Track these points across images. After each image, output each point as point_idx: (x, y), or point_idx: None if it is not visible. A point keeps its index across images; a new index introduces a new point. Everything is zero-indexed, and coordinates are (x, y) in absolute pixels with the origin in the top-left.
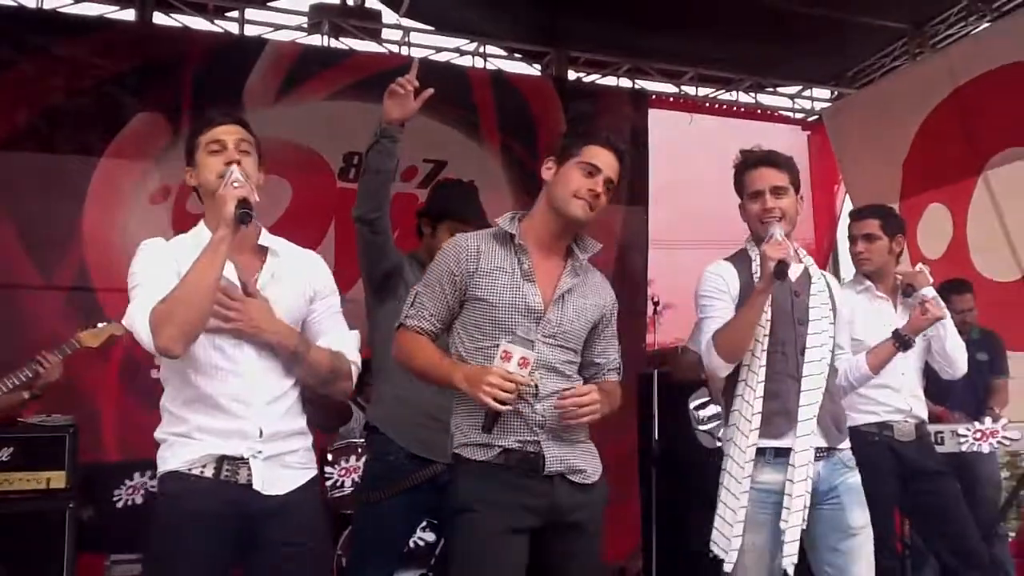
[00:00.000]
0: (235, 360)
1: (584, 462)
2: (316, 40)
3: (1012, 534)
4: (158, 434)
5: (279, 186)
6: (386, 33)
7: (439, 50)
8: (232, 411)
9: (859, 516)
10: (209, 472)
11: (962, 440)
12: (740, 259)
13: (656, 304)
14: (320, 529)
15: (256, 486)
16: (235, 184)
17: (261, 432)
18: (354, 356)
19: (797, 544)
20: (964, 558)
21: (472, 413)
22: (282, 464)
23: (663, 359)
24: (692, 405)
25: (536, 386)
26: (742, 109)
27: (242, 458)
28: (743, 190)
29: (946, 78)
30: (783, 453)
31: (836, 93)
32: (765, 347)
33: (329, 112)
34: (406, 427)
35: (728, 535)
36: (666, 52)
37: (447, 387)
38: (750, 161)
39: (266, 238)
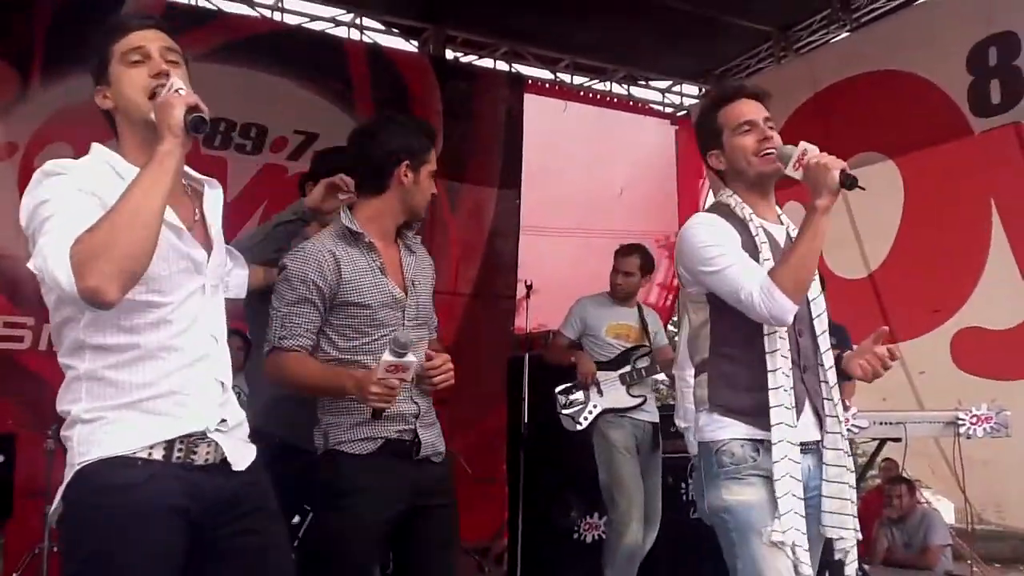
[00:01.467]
0: (199, 306)
1: (441, 442)
2: None
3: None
4: (81, 412)
5: None
6: None
7: (314, 19)
8: (187, 373)
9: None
10: (158, 455)
11: None
12: (726, 215)
13: (529, 287)
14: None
15: (230, 458)
16: (179, 91)
17: (223, 386)
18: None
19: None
20: None
21: (349, 411)
22: (238, 437)
23: (532, 343)
24: (557, 390)
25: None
26: (615, 100)
27: (199, 433)
28: (722, 126)
29: (807, 82)
30: (808, 449)
31: (704, 90)
32: (788, 333)
33: (195, 74)
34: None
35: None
36: (543, 38)
37: (339, 396)
38: (729, 93)
39: (195, 176)
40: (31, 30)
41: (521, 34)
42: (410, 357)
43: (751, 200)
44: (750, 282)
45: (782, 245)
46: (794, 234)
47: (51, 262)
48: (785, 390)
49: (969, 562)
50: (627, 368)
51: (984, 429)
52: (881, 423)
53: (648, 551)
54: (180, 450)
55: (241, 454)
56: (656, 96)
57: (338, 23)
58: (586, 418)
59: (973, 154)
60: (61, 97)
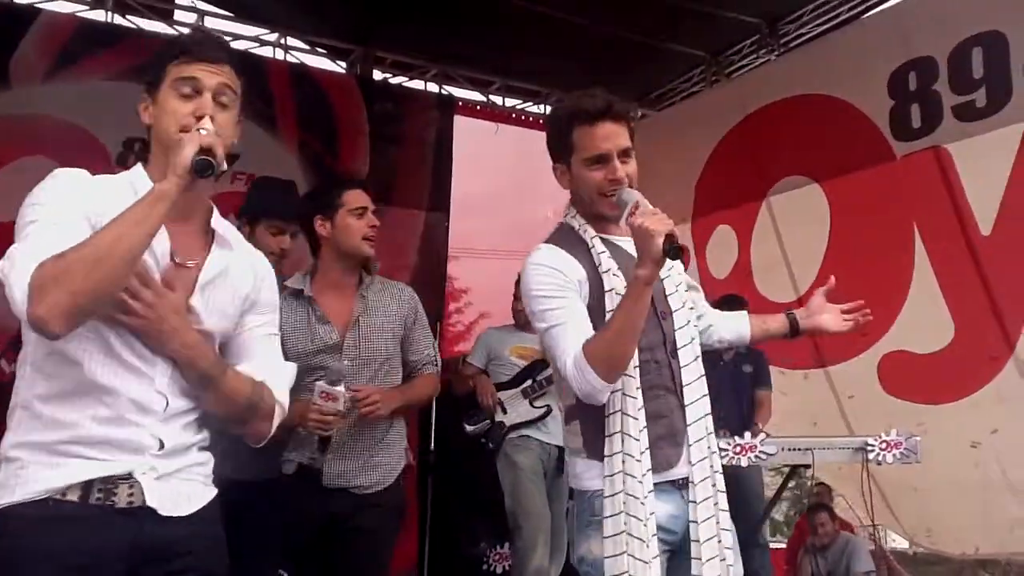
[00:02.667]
0: (145, 356)
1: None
2: (100, 15)
3: (781, 544)
4: (6, 449)
5: (46, 168)
6: (179, 15)
7: (236, 38)
8: (126, 416)
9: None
10: (73, 496)
11: (722, 454)
12: (569, 242)
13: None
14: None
15: (152, 503)
16: (202, 131)
17: (161, 444)
18: (283, 395)
19: None
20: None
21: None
22: (181, 479)
23: (444, 368)
24: (464, 419)
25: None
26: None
27: (124, 476)
28: (570, 150)
29: (737, 106)
30: (673, 484)
31: (639, 114)
32: (636, 359)
33: (110, 94)
34: None
35: None
36: (475, 60)
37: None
38: (587, 113)
39: (220, 220)
40: None
41: (452, 56)
42: (339, 388)
43: (595, 221)
44: (569, 349)
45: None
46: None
47: (12, 276)
48: (632, 418)
49: None
50: (528, 382)
51: (894, 455)
52: (790, 449)
53: None
54: (100, 491)
55: (174, 499)
56: None
57: (263, 43)
58: (496, 440)
59: (895, 178)
60: None
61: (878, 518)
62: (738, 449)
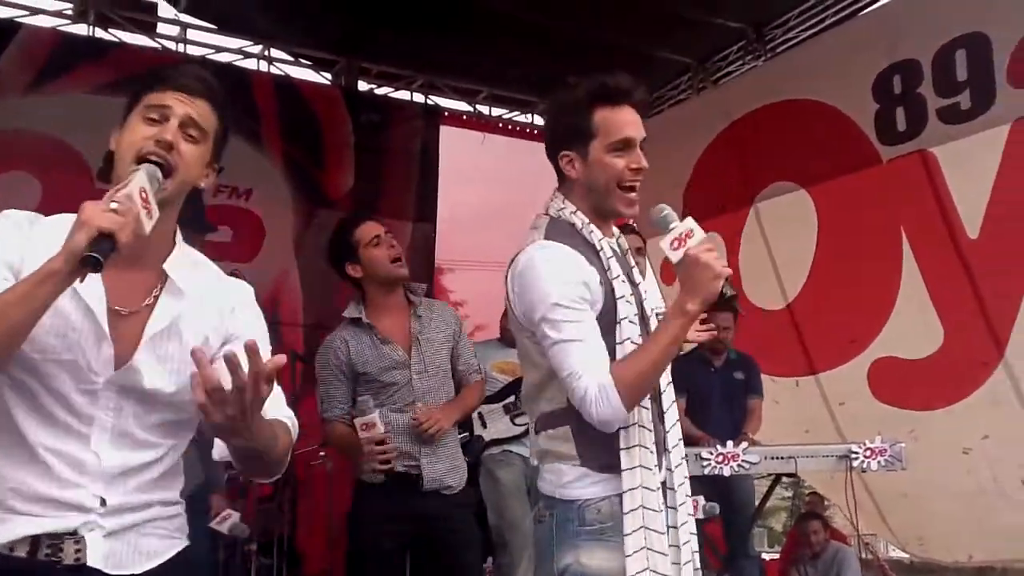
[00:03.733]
0: (78, 412)
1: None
2: (81, 29)
3: (773, 556)
4: None
5: (26, 183)
6: (162, 28)
7: (220, 50)
8: (62, 476)
9: None
10: (21, 552)
11: (704, 464)
12: (573, 239)
13: None
14: None
15: (92, 563)
16: (114, 202)
17: (103, 503)
18: (294, 422)
19: None
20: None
21: None
22: (136, 534)
23: None
24: None
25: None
26: (536, 132)
27: (71, 533)
28: (591, 134)
29: (723, 112)
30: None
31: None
32: None
33: (91, 108)
34: None
35: None
36: (460, 70)
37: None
38: (615, 92)
39: (177, 263)
40: None
41: (437, 66)
42: (372, 415)
43: (597, 218)
44: (588, 371)
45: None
46: (625, 245)
47: None
48: (647, 429)
49: None
50: (511, 398)
51: (879, 462)
52: (773, 458)
53: None
54: (48, 547)
55: (127, 556)
56: None
57: (246, 55)
58: (473, 453)
59: (882, 182)
60: None
61: (870, 527)
62: (720, 458)
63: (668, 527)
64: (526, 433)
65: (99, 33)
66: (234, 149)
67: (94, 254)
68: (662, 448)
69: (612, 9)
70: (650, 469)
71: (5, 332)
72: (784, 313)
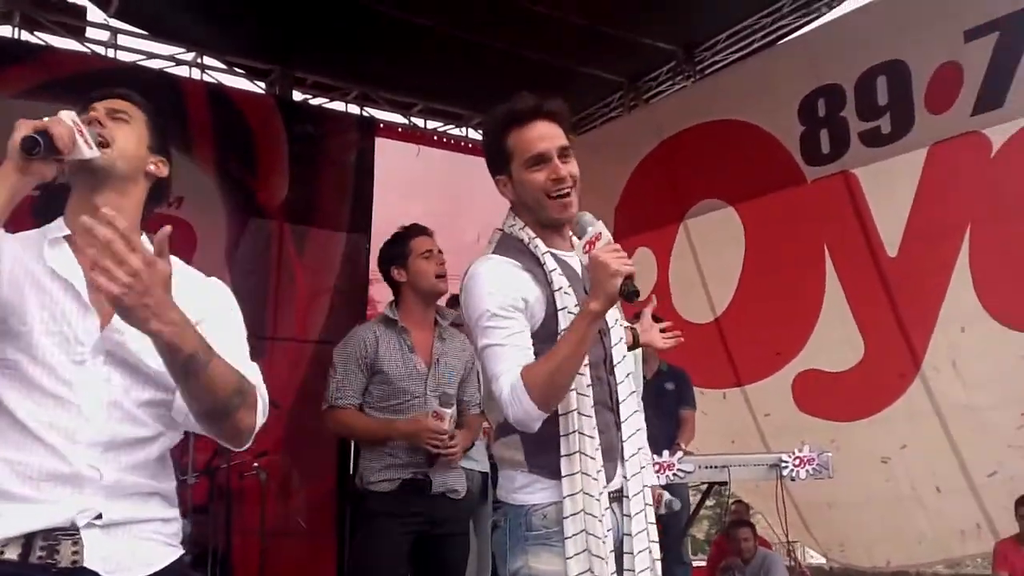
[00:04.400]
0: (68, 382)
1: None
2: (6, 32)
3: (700, 563)
4: None
5: None
6: (91, 32)
7: (151, 56)
8: (56, 447)
9: None
10: (12, 554)
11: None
12: (517, 252)
13: None
14: None
15: (91, 565)
16: (46, 118)
17: (101, 476)
18: (262, 388)
19: None
20: None
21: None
22: (134, 536)
23: None
24: None
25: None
26: (470, 145)
27: (68, 529)
28: (509, 157)
29: (653, 131)
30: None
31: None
32: (588, 378)
33: (19, 112)
34: None
35: None
36: (395, 82)
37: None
38: (519, 114)
39: (147, 243)
40: None
41: (373, 78)
42: (449, 410)
43: (542, 232)
44: (507, 373)
45: (580, 274)
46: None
47: None
48: (587, 436)
49: None
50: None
51: (807, 471)
52: (707, 467)
53: None
54: (42, 548)
55: (124, 560)
56: None
57: (179, 62)
58: None
59: (806, 202)
60: None
61: (793, 534)
62: (656, 467)
63: (623, 534)
64: (468, 449)
65: (25, 36)
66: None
67: (32, 135)
68: (617, 456)
69: (543, 27)
70: (591, 475)
71: None
72: (712, 327)
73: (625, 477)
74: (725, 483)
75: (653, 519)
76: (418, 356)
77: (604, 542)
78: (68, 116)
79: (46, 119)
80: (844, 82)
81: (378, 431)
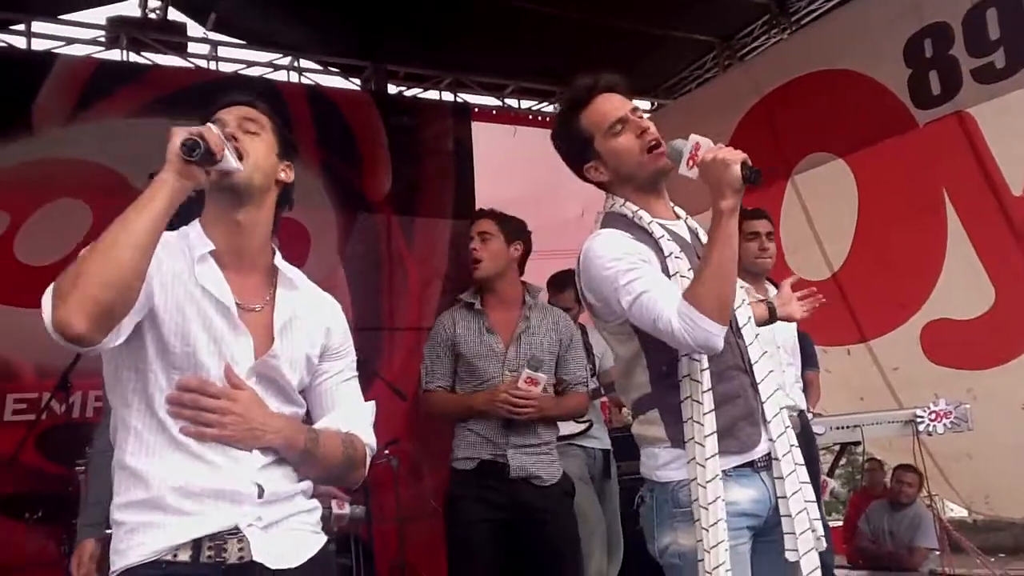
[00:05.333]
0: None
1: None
2: (115, 55)
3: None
4: (114, 512)
5: (79, 210)
6: (192, 47)
7: (250, 64)
8: (220, 466)
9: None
10: (184, 556)
11: None
12: (626, 226)
13: None
14: None
15: (258, 558)
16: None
17: (261, 491)
18: (369, 437)
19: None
20: None
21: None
22: (287, 529)
23: None
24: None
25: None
26: None
27: (231, 531)
28: (590, 137)
29: (752, 88)
30: (750, 465)
31: (655, 104)
32: None
33: (132, 131)
34: None
35: None
36: (486, 65)
37: (470, 412)
38: (582, 94)
39: (283, 261)
40: None
41: (463, 63)
42: (543, 375)
43: (645, 203)
44: (667, 308)
45: (689, 240)
46: (695, 226)
47: (43, 300)
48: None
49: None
50: None
51: (944, 425)
52: (838, 428)
53: None
54: (210, 548)
55: (279, 551)
56: None
57: (276, 67)
58: None
59: (920, 146)
60: None
61: (932, 488)
62: None
63: (778, 498)
64: (587, 430)
65: (133, 57)
66: None
67: (192, 139)
68: (760, 419)
69: None
70: (697, 441)
71: (133, 236)
72: (830, 283)
73: (771, 440)
74: (858, 443)
75: (807, 478)
76: (496, 336)
77: (707, 509)
78: (215, 128)
79: (197, 127)
80: (951, 19)
81: (459, 406)
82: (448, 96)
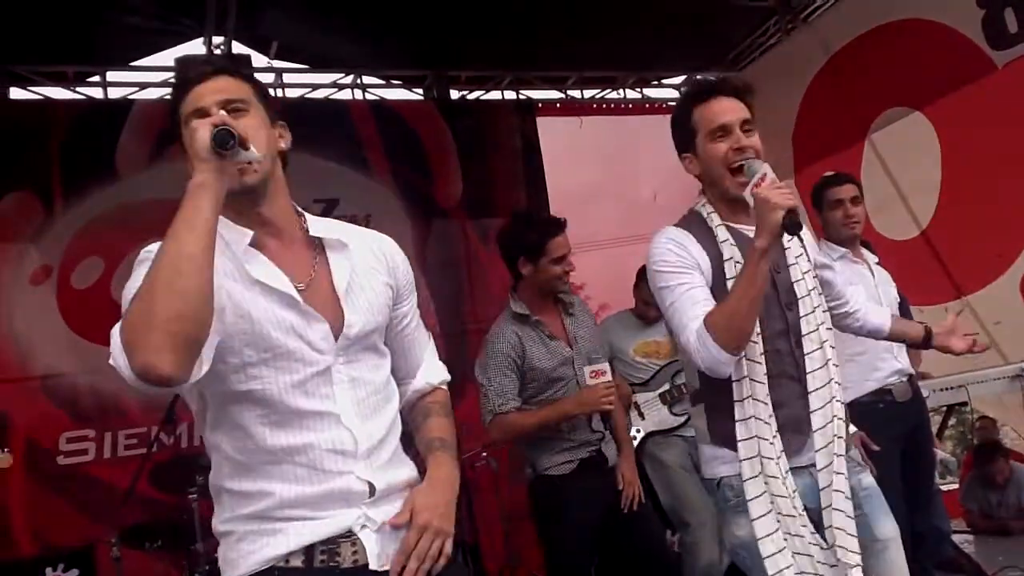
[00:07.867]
0: (324, 394)
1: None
2: None
3: (949, 487)
4: (217, 525)
5: None
6: (258, 77)
7: (315, 87)
8: (328, 467)
9: (886, 525)
10: (297, 561)
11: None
12: (695, 225)
13: None
14: None
15: (373, 564)
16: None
17: (372, 490)
18: (445, 373)
19: None
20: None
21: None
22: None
23: None
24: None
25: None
26: (630, 106)
27: (344, 534)
28: (694, 132)
29: (819, 49)
30: (797, 472)
31: (720, 77)
32: (762, 346)
33: None
34: None
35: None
36: (545, 59)
37: (562, 421)
38: (702, 92)
39: (317, 224)
40: (47, 155)
41: (522, 60)
42: (604, 363)
43: (727, 206)
44: (691, 323)
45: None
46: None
47: (112, 350)
48: (761, 403)
49: None
50: (666, 386)
51: None
52: (943, 389)
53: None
54: (323, 552)
55: (392, 552)
56: (672, 93)
57: (340, 87)
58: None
59: (1001, 89)
60: (85, 214)
61: None
62: None
63: (822, 508)
64: (686, 422)
65: None
66: (347, 179)
67: (223, 130)
68: (806, 428)
69: None
70: (767, 439)
71: (192, 259)
72: (919, 241)
73: (815, 449)
74: (965, 403)
75: (844, 488)
76: (559, 341)
77: (792, 500)
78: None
79: (214, 117)
80: None
81: (550, 417)
82: (510, 94)
